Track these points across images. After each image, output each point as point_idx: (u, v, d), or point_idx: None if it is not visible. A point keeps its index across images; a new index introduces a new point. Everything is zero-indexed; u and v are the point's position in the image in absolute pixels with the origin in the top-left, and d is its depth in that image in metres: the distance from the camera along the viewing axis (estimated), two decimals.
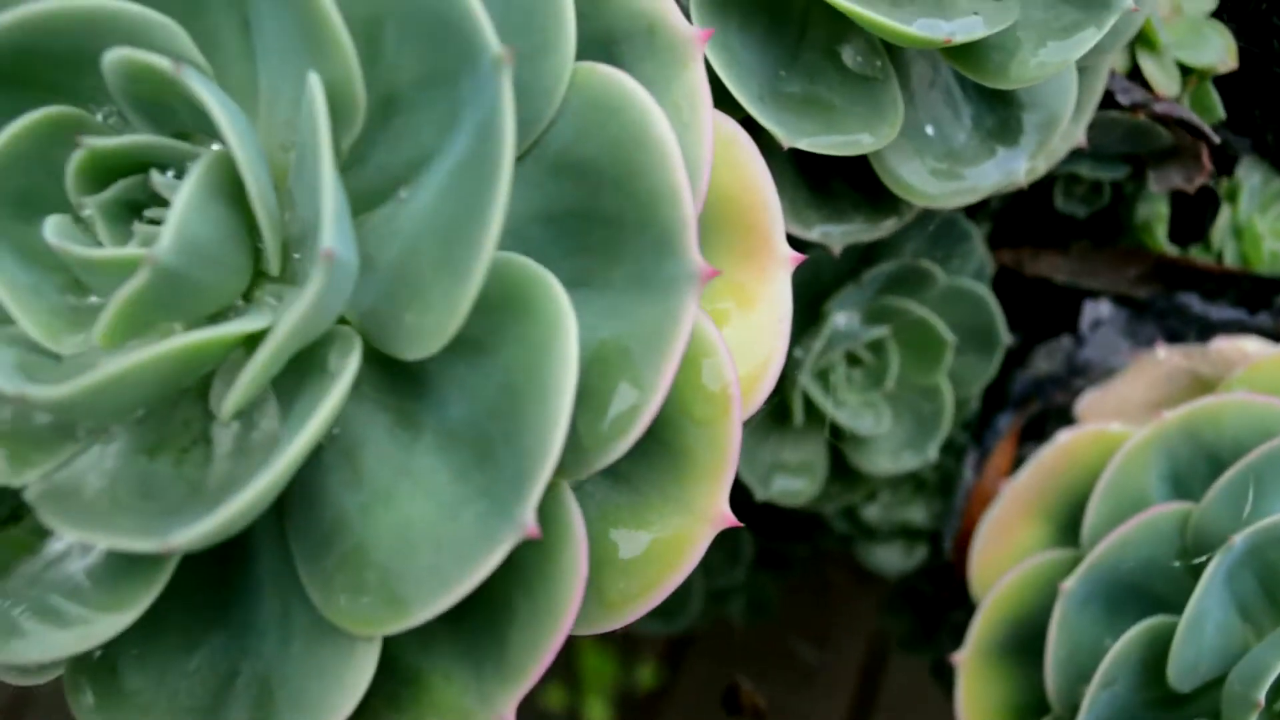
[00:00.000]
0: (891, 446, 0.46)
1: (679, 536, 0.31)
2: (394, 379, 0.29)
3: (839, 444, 0.46)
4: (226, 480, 0.27)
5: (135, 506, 0.27)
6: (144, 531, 0.25)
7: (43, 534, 0.30)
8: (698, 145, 0.29)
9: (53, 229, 0.28)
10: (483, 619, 0.30)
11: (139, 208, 0.30)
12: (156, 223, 0.29)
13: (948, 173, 0.37)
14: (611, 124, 0.28)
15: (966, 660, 0.43)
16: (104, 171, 0.29)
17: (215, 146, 0.30)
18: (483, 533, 0.26)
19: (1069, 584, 0.40)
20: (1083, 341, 0.46)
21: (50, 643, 0.28)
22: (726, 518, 0.31)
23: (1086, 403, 0.44)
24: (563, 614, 0.28)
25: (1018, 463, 0.48)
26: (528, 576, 0.29)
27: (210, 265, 0.28)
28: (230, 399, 0.26)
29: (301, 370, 0.28)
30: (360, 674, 0.28)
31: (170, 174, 0.30)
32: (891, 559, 0.52)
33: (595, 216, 0.29)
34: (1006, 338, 0.45)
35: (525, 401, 0.27)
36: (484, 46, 0.25)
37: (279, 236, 0.28)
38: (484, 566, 0.26)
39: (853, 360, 0.45)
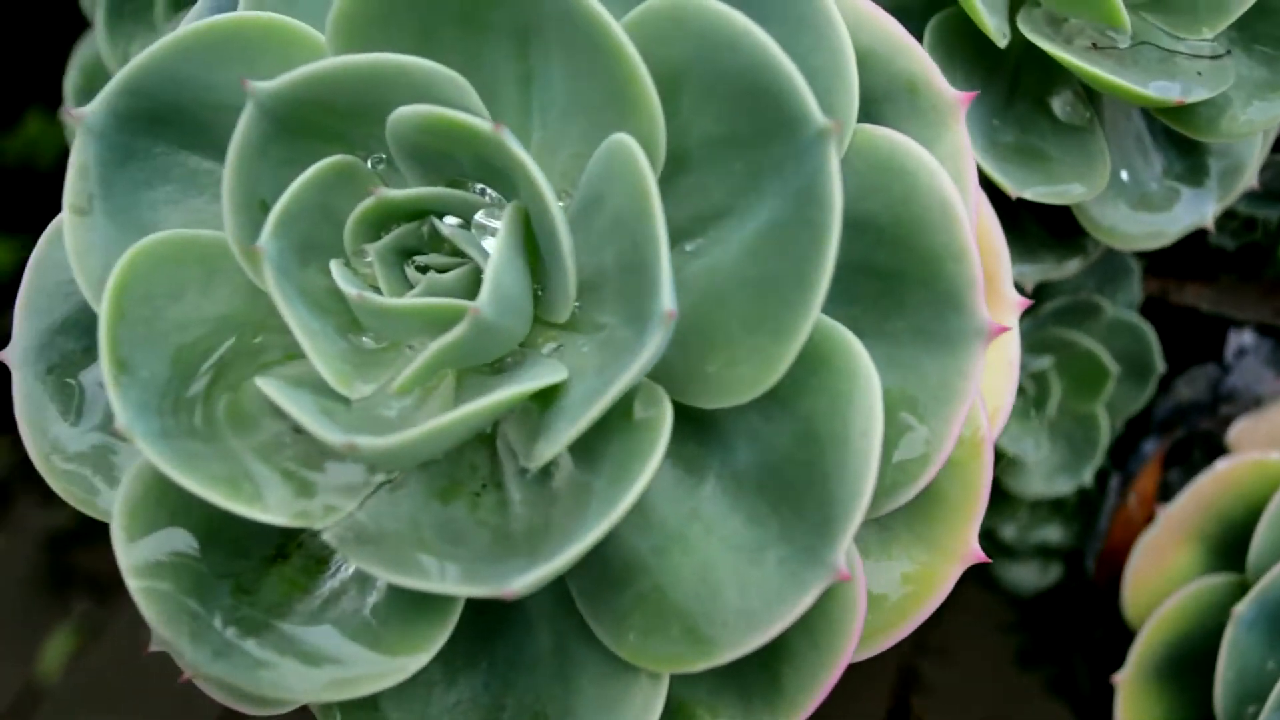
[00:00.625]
0: (1046, 471, 0.48)
1: (927, 573, 0.32)
2: (678, 424, 0.30)
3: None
4: (536, 527, 0.28)
5: (445, 551, 0.28)
6: (472, 578, 0.27)
7: (312, 573, 0.31)
8: (965, 204, 0.31)
9: (340, 275, 0.29)
10: (754, 654, 0.31)
11: (409, 253, 0.31)
12: (425, 269, 0.31)
13: (1143, 217, 0.39)
14: (896, 185, 0.29)
15: (1127, 680, 0.45)
16: (382, 218, 0.30)
17: (489, 194, 0.31)
18: (790, 576, 0.28)
19: (1240, 608, 0.42)
20: (1228, 370, 0.48)
21: (340, 682, 0.29)
22: (976, 554, 0.32)
23: (1239, 430, 0.46)
24: (842, 650, 0.30)
25: (1162, 487, 0.49)
26: (806, 613, 0.30)
27: (512, 315, 0.29)
28: (545, 451, 0.27)
29: (603, 417, 0.29)
30: (651, 709, 0.30)
31: (448, 220, 0.31)
32: (1027, 577, 0.54)
33: (868, 270, 0.30)
34: (1161, 367, 0.47)
35: (829, 449, 0.28)
36: (807, 117, 0.27)
37: (575, 286, 0.29)
38: (795, 608, 0.27)
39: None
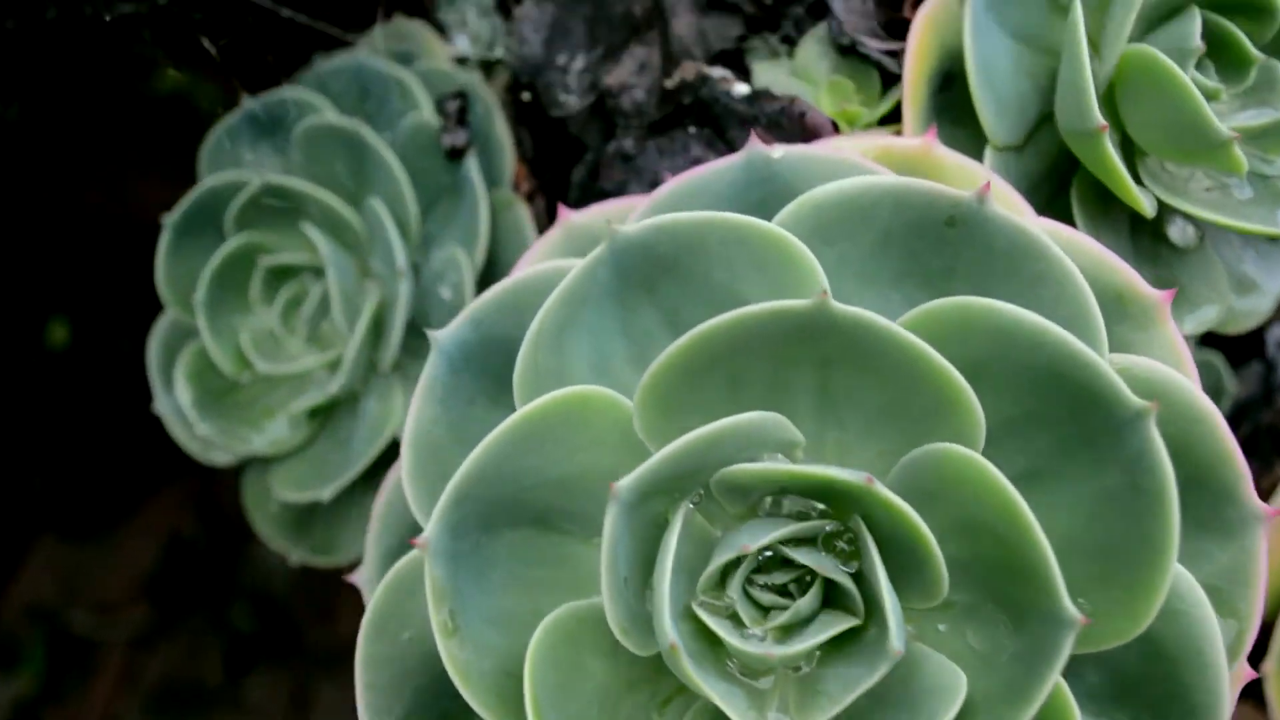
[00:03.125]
0: None
1: None
2: None
3: None
4: None
5: None
6: None
7: None
8: None
9: (731, 634, 0.31)
10: None
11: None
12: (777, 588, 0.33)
13: (1246, 299, 0.44)
14: (1162, 407, 0.33)
15: (1275, 669, 0.52)
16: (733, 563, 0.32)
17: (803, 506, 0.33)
18: None
19: None
20: (1274, 365, 0.54)
21: None
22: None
23: None
24: None
25: None
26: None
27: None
28: None
29: None
30: None
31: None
32: None
33: None
34: (1233, 389, 0.53)
35: (1182, 664, 0.32)
36: (1119, 399, 0.30)
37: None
38: None
39: None
